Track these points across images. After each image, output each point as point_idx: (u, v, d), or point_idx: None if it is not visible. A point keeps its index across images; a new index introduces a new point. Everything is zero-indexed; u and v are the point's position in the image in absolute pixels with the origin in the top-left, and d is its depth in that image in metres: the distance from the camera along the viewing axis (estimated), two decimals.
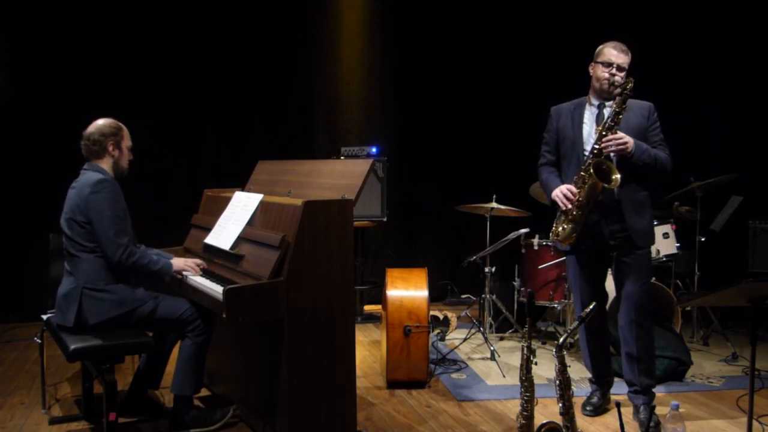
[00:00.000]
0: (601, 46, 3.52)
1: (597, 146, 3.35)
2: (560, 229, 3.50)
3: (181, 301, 3.38)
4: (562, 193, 3.44)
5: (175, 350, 3.53)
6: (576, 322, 2.99)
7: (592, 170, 3.31)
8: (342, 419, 3.12)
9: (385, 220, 5.69)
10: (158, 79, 5.87)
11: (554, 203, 3.53)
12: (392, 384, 4.11)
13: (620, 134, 3.32)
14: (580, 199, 3.39)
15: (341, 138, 6.36)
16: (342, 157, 5.55)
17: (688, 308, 5.20)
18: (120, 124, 3.45)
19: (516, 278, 5.22)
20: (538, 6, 6.63)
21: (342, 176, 3.34)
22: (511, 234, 4.73)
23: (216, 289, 3.11)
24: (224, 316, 2.90)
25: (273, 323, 3.03)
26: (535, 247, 5.06)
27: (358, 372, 3.86)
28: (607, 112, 3.43)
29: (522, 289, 5.16)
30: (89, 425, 3.54)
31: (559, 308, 5.07)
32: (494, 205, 5.02)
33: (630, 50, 3.48)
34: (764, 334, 5.21)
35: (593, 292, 3.60)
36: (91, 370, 3.49)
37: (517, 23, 6.64)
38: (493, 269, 4.98)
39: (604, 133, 3.33)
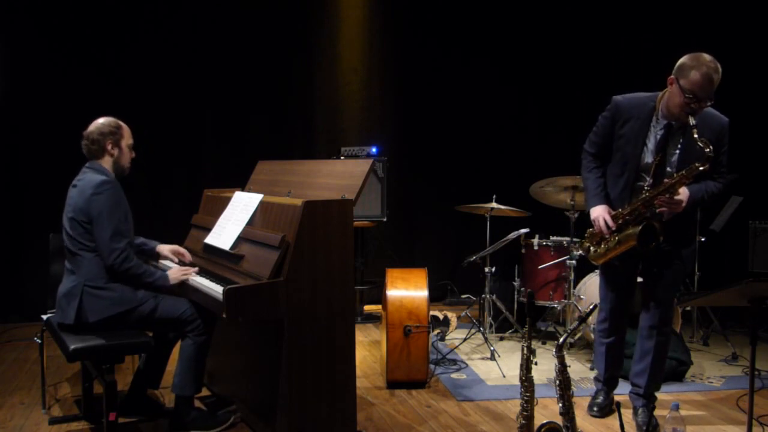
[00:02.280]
0: (690, 64, 3.09)
1: (650, 199, 3.23)
2: (592, 249, 3.48)
3: (182, 300, 3.38)
4: (600, 222, 3.36)
5: (176, 350, 3.53)
6: (576, 322, 2.99)
7: (638, 234, 3.23)
8: (342, 419, 3.12)
9: (385, 220, 5.69)
10: (158, 79, 5.87)
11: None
12: (392, 384, 4.11)
13: (680, 197, 3.18)
14: (615, 239, 3.34)
15: (341, 138, 6.36)
16: (342, 157, 5.55)
17: (688, 308, 5.21)
18: (119, 122, 3.44)
19: (516, 278, 5.22)
20: (538, 6, 6.63)
21: (342, 176, 3.34)
22: (511, 234, 4.73)
23: (216, 289, 3.10)
24: (224, 316, 2.90)
25: (273, 323, 3.03)
26: (535, 247, 5.07)
27: (358, 372, 3.86)
28: (676, 143, 3.25)
29: (522, 289, 5.16)
30: (89, 425, 3.54)
31: (559, 308, 5.07)
32: (494, 205, 5.01)
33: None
34: (764, 334, 5.21)
35: (620, 297, 3.56)
36: (91, 370, 3.49)
37: (517, 23, 6.63)
38: (493, 269, 4.98)
39: (662, 191, 3.20)
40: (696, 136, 3.07)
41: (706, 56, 3.09)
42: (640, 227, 3.25)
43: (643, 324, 3.51)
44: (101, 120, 3.42)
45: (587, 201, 3.51)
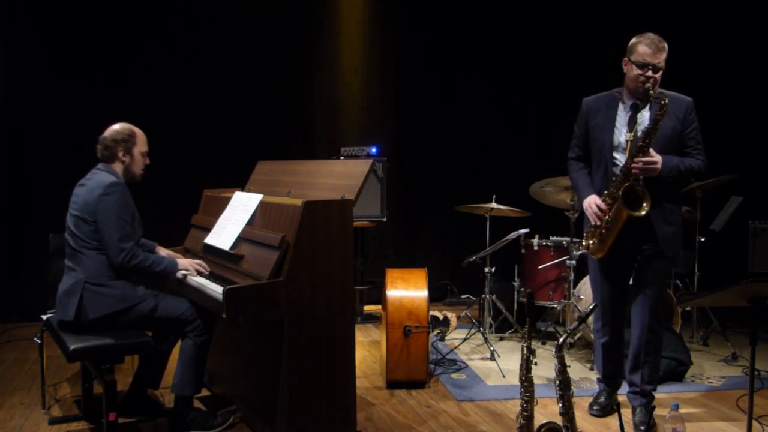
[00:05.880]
0: (635, 41, 3.32)
1: (626, 167, 3.27)
2: (590, 242, 3.47)
3: (182, 300, 3.39)
4: (591, 208, 3.40)
5: (175, 350, 3.54)
6: (576, 322, 2.99)
7: (621, 198, 3.25)
8: (342, 419, 3.12)
9: (384, 220, 5.69)
10: (158, 79, 5.87)
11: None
12: (392, 384, 4.11)
13: (652, 157, 3.23)
14: (608, 218, 3.34)
15: (341, 138, 6.35)
16: (342, 157, 5.55)
17: (688, 308, 5.21)
18: (134, 129, 3.44)
19: (516, 278, 5.22)
20: (538, 6, 6.63)
21: (342, 176, 3.34)
22: (511, 234, 4.73)
23: (216, 289, 3.11)
24: (224, 316, 2.90)
25: (273, 323, 3.03)
26: (535, 247, 5.07)
27: (358, 372, 3.86)
28: (643, 118, 3.33)
29: (522, 289, 5.16)
30: (89, 425, 3.54)
31: (559, 308, 5.07)
32: (494, 205, 5.02)
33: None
34: (764, 334, 5.20)
35: (614, 294, 3.57)
36: (91, 370, 3.49)
37: (517, 23, 6.63)
38: (493, 269, 4.98)
39: (635, 153, 3.25)
40: (651, 92, 3.22)
41: (650, 33, 3.32)
42: (622, 192, 3.27)
43: (633, 321, 3.51)
44: (116, 126, 3.43)
45: (579, 198, 3.57)
